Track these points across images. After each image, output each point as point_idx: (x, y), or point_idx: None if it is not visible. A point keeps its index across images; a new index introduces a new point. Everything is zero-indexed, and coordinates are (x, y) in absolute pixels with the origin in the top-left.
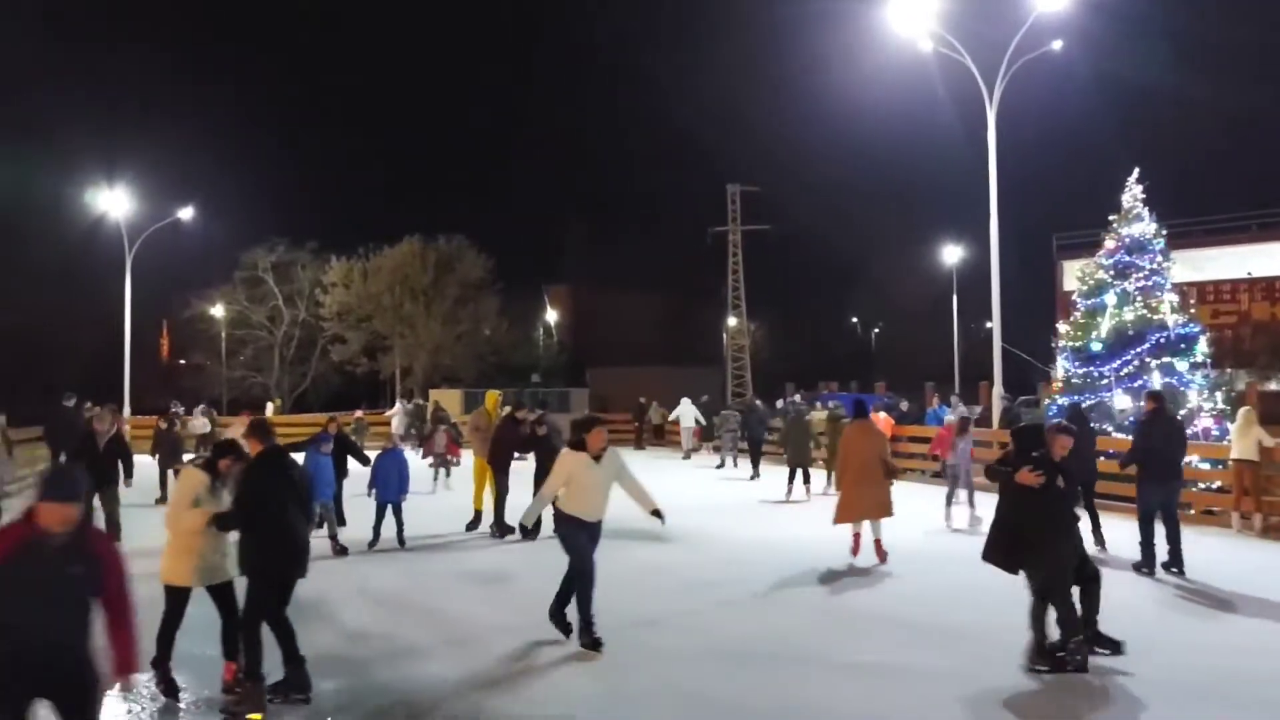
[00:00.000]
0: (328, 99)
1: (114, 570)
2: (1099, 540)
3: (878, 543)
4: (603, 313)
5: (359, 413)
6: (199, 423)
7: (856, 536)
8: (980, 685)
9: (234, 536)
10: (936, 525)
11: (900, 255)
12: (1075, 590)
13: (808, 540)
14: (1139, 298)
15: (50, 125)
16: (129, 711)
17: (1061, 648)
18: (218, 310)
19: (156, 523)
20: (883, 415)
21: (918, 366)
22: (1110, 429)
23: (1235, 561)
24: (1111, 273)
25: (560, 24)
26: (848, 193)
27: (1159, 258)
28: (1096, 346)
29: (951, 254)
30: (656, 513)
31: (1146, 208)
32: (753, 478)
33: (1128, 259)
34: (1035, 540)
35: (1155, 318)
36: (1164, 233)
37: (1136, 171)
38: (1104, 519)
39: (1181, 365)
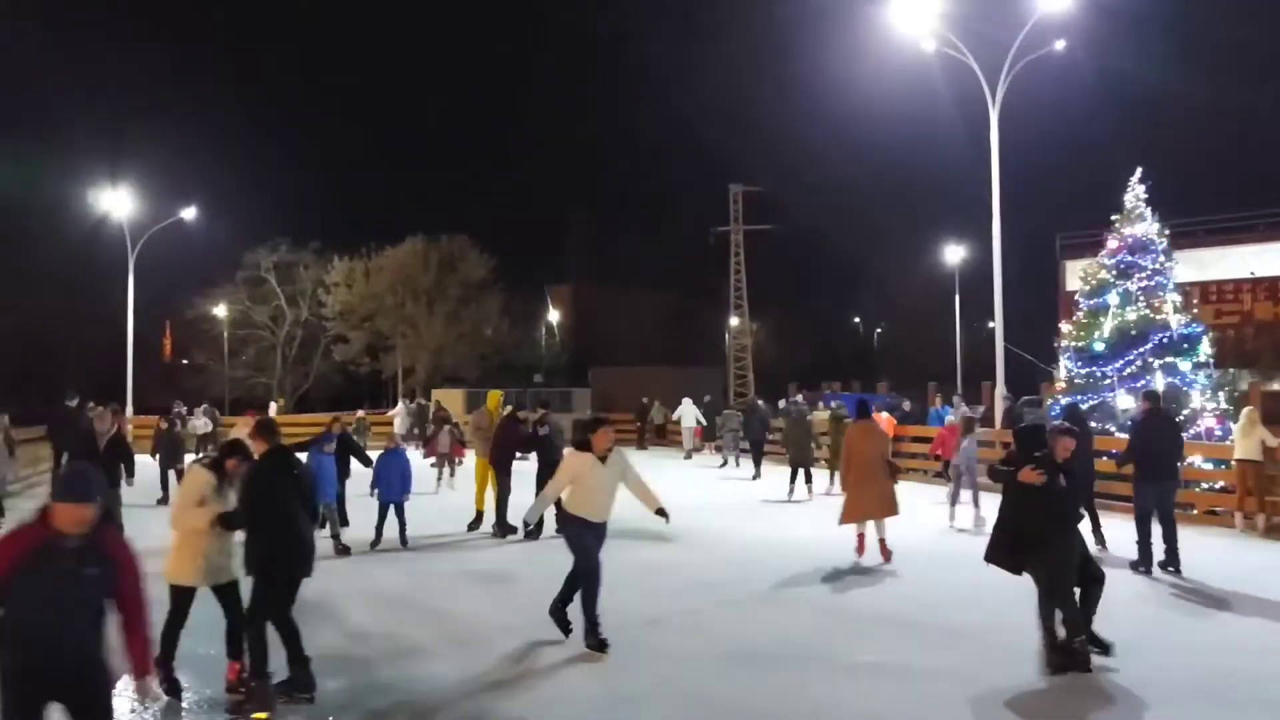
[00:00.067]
0: (331, 99)
1: (129, 572)
2: (1099, 540)
3: (882, 542)
4: (605, 312)
5: (361, 412)
6: (200, 423)
7: (861, 536)
8: (981, 685)
9: (239, 536)
10: (940, 525)
11: (903, 255)
12: (1075, 590)
13: (809, 540)
14: (1142, 297)
15: (53, 126)
16: (131, 710)
17: (1066, 646)
18: (220, 310)
19: (158, 523)
20: (885, 415)
21: (920, 366)
22: (1114, 429)
23: (1238, 561)
24: (1114, 272)
25: (563, 24)
26: (850, 192)
27: (1162, 257)
28: (1099, 346)
29: (954, 254)
30: (661, 512)
31: (1149, 207)
32: (754, 478)
33: (1130, 259)
34: (1036, 539)
35: (1158, 318)
36: (1167, 232)
37: (1139, 171)
38: (1104, 519)
39: (1184, 365)
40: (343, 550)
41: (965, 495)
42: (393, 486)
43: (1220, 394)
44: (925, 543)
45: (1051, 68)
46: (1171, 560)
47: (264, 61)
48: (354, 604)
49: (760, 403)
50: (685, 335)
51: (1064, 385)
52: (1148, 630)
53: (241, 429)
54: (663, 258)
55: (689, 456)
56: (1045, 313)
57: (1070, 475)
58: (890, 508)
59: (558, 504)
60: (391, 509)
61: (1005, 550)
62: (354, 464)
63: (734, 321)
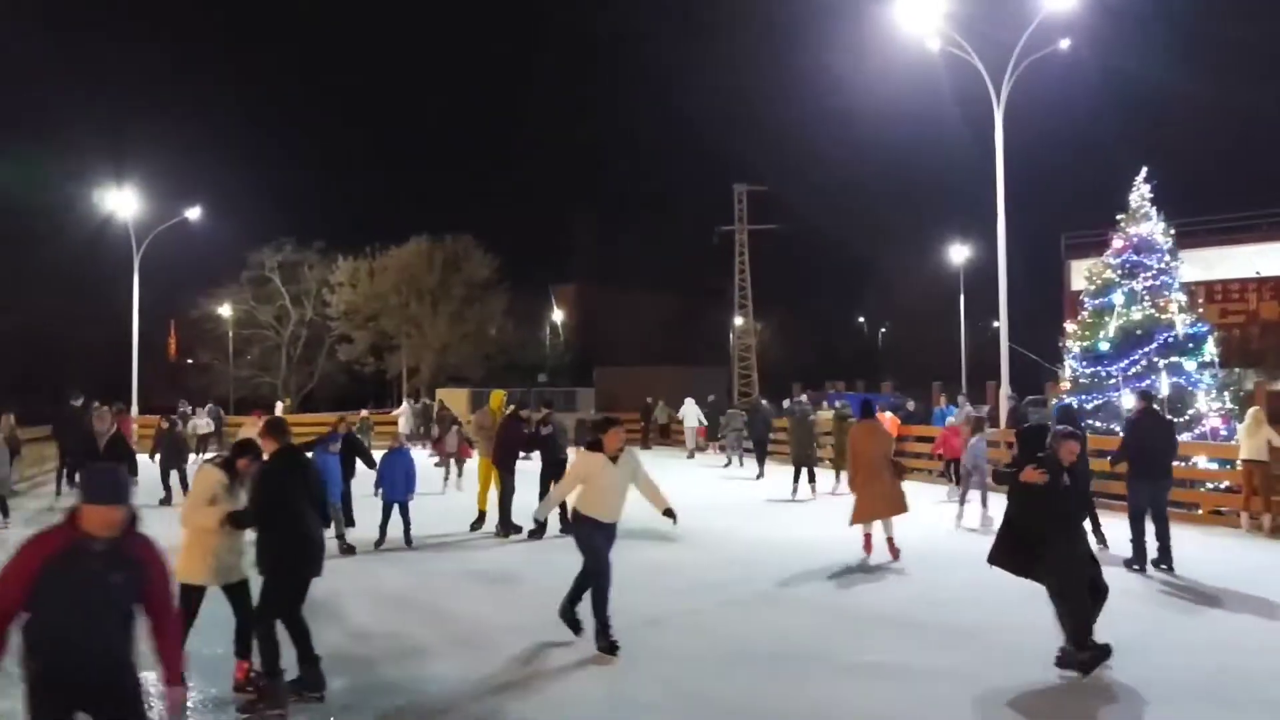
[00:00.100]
0: (331, 99)
1: (158, 576)
2: (1100, 539)
3: (890, 540)
4: (609, 312)
5: (364, 412)
6: (201, 422)
7: (868, 536)
8: (983, 685)
9: (250, 535)
10: (944, 525)
11: (907, 254)
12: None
13: (812, 540)
14: (1147, 297)
15: (53, 126)
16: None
17: (1067, 647)
18: (225, 310)
19: (160, 523)
20: (888, 415)
21: (925, 366)
22: (1119, 429)
23: (1242, 561)
24: (1119, 272)
25: (563, 24)
26: (855, 192)
27: (1167, 257)
28: (1104, 346)
29: (959, 253)
30: (669, 513)
31: (1154, 207)
32: (758, 477)
33: (1135, 258)
34: (1041, 540)
35: (1163, 317)
36: (1172, 232)
37: (1144, 171)
38: (1104, 519)
39: (1189, 365)
40: (348, 550)
41: (974, 494)
42: (397, 486)
43: (1225, 394)
44: (931, 542)
45: (1056, 67)
46: (1164, 558)
47: (264, 61)
48: (359, 603)
49: (764, 402)
50: (689, 335)
51: (1069, 385)
52: (1148, 630)
53: (249, 429)
54: (667, 257)
55: (692, 456)
56: (1050, 312)
57: (1074, 476)
58: (899, 506)
59: (562, 504)
60: (396, 509)
61: (1008, 552)
62: (359, 464)
63: (738, 321)
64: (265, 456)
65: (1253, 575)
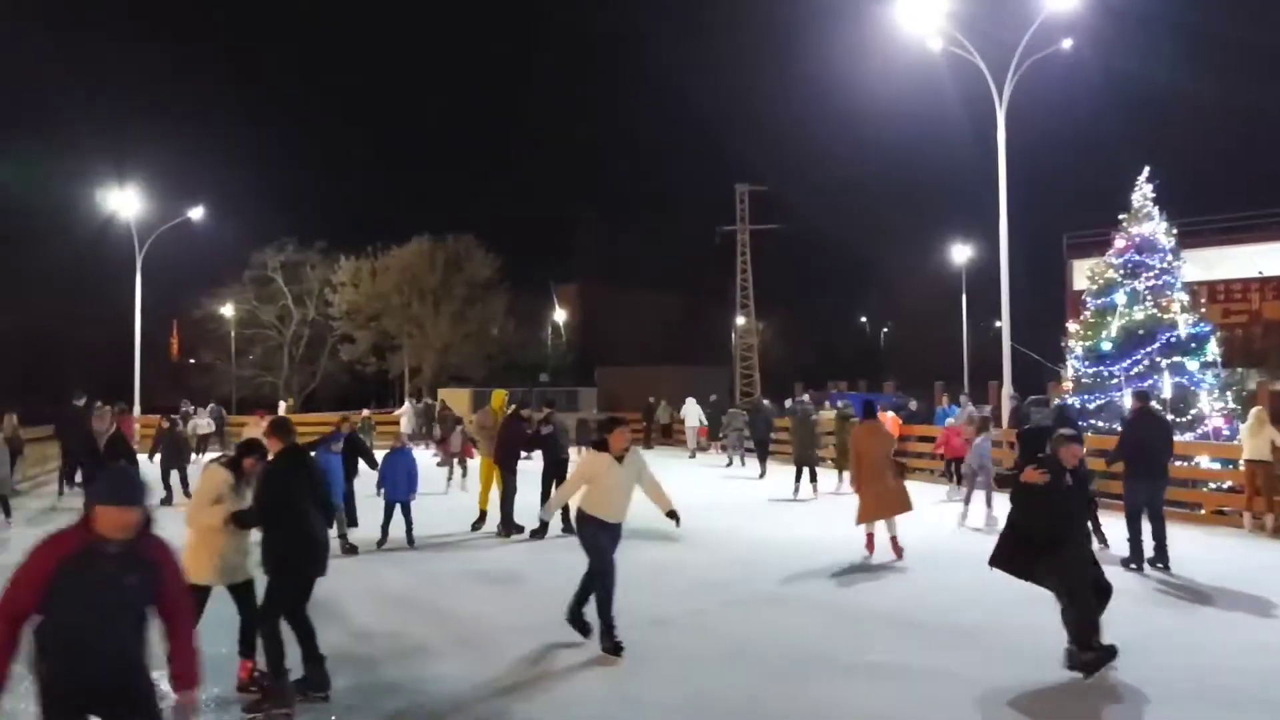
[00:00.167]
0: (331, 99)
1: (172, 579)
2: (1100, 538)
3: (894, 539)
4: (611, 312)
5: (366, 412)
6: (202, 423)
7: (870, 535)
8: (984, 686)
9: (255, 535)
10: (945, 525)
11: (909, 254)
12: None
13: (814, 539)
14: (1149, 297)
15: (53, 126)
16: None
17: (1076, 648)
18: (227, 310)
19: (162, 523)
20: (890, 415)
21: (927, 366)
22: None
23: (1244, 561)
24: (1122, 272)
25: (563, 24)
26: (856, 192)
27: (1169, 257)
28: (1106, 346)
29: (961, 253)
30: (673, 515)
31: (1157, 206)
32: (760, 476)
33: (1138, 258)
34: (1046, 542)
35: (1165, 317)
36: (1174, 232)
37: (1146, 170)
38: (1101, 518)
39: (1192, 365)
40: (350, 550)
41: (979, 495)
42: (399, 486)
43: (1228, 394)
44: (933, 542)
45: (1059, 67)
46: (1160, 556)
47: (264, 61)
48: (361, 603)
49: (766, 402)
50: (691, 335)
51: (1071, 385)
52: (1149, 630)
53: (252, 429)
54: (669, 257)
55: (693, 455)
56: (1052, 312)
57: (1076, 476)
58: (903, 505)
59: (575, 504)
60: (398, 508)
61: (1010, 555)
62: (361, 464)
63: (740, 321)
64: (270, 456)
65: (1255, 575)
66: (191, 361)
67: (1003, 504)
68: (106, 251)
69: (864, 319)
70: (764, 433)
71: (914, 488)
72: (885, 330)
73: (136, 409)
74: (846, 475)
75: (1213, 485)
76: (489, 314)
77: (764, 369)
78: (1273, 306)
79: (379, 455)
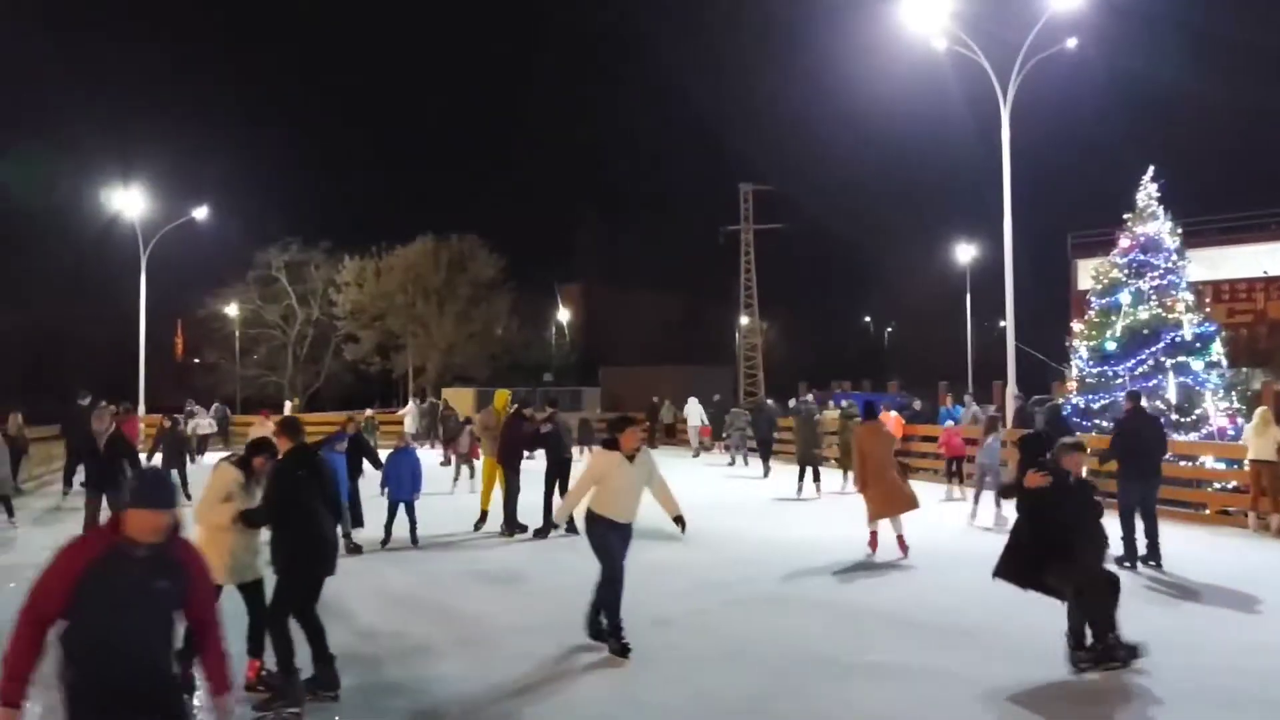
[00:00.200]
0: (331, 99)
1: (201, 582)
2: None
3: (900, 538)
4: (615, 312)
5: (369, 411)
6: (204, 422)
7: (874, 534)
8: (985, 686)
9: (265, 535)
10: (947, 525)
11: (913, 254)
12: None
13: (817, 539)
14: (1154, 296)
15: (53, 126)
16: None
17: (1099, 646)
18: (232, 309)
19: None
20: (893, 414)
21: (931, 366)
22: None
23: (1247, 561)
24: (1126, 271)
25: (563, 24)
26: (860, 191)
27: (1174, 256)
28: (1111, 346)
29: (965, 252)
30: (679, 520)
31: (1161, 206)
32: (764, 476)
33: (1143, 258)
34: (1054, 546)
35: (1170, 317)
36: (1179, 231)
37: (1151, 170)
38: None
39: (1197, 364)
40: (354, 549)
41: (986, 494)
42: (403, 485)
43: (1233, 393)
44: (935, 542)
45: (1063, 66)
46: (1153, 555)
47: (264, 61)
48: (365, 603)
49: (769, 401)
50: (695, 335)
51: (1075, 385)
52: (1149, 630)
53: (258, 429)
54: (673, 257)
55: (696, 455)
56: (1057, 312)
57: (1083, 482)
58: (910, 503)
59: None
60: (402, 508)
61: (1013, 566)
62: (365, 464)
63: (744, 320)
64: (280, 455)
65: (1259, 575)
66: (196, 361)
67: (1009, 502)
68: (110, 251)
69: (868, 319)
70: (767, 432)
71: (916, 487)
72: (889, 330)
73: (141, 409)
74: (850, 475)
75: (1217, 485)
76: (493, 314)
77: (767, 369)
78: (1278, 306)
79: (383, 455)
